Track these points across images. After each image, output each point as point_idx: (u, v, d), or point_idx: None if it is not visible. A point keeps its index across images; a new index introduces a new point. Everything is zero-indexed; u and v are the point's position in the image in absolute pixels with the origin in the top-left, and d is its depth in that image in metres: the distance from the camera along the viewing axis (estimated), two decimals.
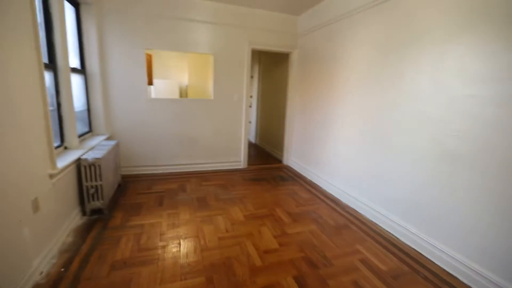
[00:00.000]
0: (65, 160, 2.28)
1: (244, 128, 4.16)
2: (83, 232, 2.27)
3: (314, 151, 3.78)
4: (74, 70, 2.99)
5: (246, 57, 3.94)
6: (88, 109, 3.34)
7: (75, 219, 2.40)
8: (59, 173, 2.07)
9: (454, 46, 1.88)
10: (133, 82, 3.53)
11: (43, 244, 1.83)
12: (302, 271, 1.89)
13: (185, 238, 2.24)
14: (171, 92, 6.36)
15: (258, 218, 2.64)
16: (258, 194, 3.24)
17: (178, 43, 3.62)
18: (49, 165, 1.95)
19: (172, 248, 2.09)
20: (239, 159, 4.27)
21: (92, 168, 2.46)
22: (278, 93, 4.94)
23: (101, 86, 3.34)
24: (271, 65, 5.34)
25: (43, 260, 1.80)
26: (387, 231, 2.45)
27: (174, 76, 6.66)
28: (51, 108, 2.47)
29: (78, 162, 2.45)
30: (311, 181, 3.78)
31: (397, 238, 2.34)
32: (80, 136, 3.09)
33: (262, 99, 5.95)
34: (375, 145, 2.63)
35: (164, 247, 2.10)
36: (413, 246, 2.20)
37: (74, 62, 3.07)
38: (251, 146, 6.06)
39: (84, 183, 2.47)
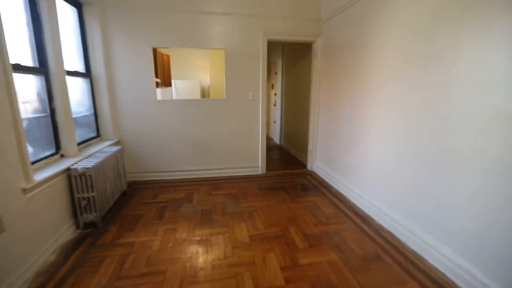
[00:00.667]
0: (51, 170, 2.09)
1: (261, 129, 3.72)
2: (69, 249, 2.06)
3: (341, 156, 3.18)
4: (77, 74, 2.87)
5: (262, 50, 3.49)
6: (95, 114, 3.21)
7: (66, 234, 2.21)
8: (36, 186, 1.86)
9: None
10: (139, 83, 3.32)
11: (13, 268, 1.62)
12: None
13: (174, 263, 1.89)
14: (192, 93, 6.19)
15: (266, 240, 2.18)
16: (272, 207, 2.78)
17: (186, 38, 3.32)
18: (22, 179, 1.75)
19: (154, 277, 1.75)
20: (256, 165, 3.84)
21: (83, 178, 2.25)
22: (301, 89, 4.39)
23: (107, 89, 3.19)
24: (294, 59, 4.81)
25: (11, 286, 1.59)
26: (439, 270, 1.81)
27: (195, 76, 6.49)
28: (43, 114, 2.33)
29: (68, 172, 2.26)
30: (337, 192, 3.19)
31: (454, 283, 1.69)
32: (86, 141, 2.96)
33: (286, 97, 5.43)
34: (420, 149, 1.98)
35: (146, 275, 1.77)
36: None
37: (78, 65, 2.95)
38: (274, 148, 5.59)
39: (76, 195, 2.27)
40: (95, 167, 2.31)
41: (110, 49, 3.18)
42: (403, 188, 2.16)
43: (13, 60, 1.80)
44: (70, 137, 2.51)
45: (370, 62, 2.53)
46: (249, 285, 1.68)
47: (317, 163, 3.91)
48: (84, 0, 2.88)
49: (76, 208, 2.30)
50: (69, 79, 2.63)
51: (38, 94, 2.26)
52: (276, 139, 6.19)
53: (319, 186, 3.38)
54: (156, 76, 4.37)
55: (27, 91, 2.14)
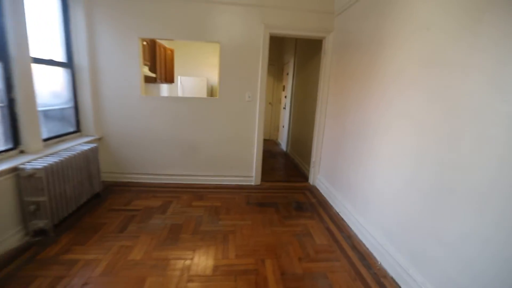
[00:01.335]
0: None
1: (257, 135, 3.29)
2: (4, 262, 1.77)
3: (344, 172, 2.67)
4: (54, 63, 2.63)
5: (263, 45, 3.07)
6: (76, 107, 2.97)
7: (10, 241, 1.93)
8: None
9: None
10: (125, 77, 3.04)
11: None
12: None
13: None
14: (199, 91, 5.91)
15: (232, 274, 1.76)
16: (254, 229, 2.35)
17: (178, 29, 2.99)
18: None
19: None
20: (250, 174, 3.42)
21: (32, 180, 1.97)
22: (310, 92, 3.91)
23: (90, 81, 2.94)
24: (305, 58, 4.33)
25: None
26: None
27: (203, 73, 6.20)
28: (0, 104, 2.09)
29: (17, 172, 1.99)
30: (336, 215, 2.68)
31: None
32: (60, 136, 2.72)
33: (295, 100, 4.96)
34: (440, 180, 1.46)
35: None
36: None
37: (58, 54, 2.71)
38: (279, 155, 5.13)
39: (24, 198, 1.99)
40: (48, 168, 2.02)
41: (95, 38, 2.92)
42: (416, 228, 1.63)
43: None
44: (33, 131, 2.25)
45: (387, 64, 2.01)
46: None
47: (319, 177, 3.40)
48: None
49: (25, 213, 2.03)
50: (41, 68, 2.40)
51: None
52: (283, 145, 5.72)
53: (317, 206, 2.88)
54: (153, 71, 4.10)
55: None
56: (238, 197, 3.02)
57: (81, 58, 2.87)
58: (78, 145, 2.64)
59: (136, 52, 2.99)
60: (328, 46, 3.13)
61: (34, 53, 2.27)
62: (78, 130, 3.02)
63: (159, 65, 4.31)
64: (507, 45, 1.13)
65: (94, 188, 2.73)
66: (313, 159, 3.49)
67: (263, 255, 1.99)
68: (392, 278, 1.78)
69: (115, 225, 2.31)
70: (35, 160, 2.10)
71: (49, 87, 2.62)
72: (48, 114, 2.61)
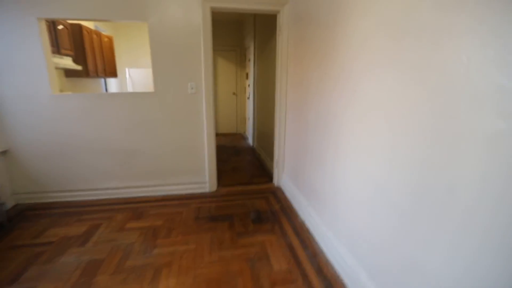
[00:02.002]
0: None
1: (207, 132, 2.76)
2: None
3: (308, 175, 2.25)
4: None
5: (203, 23, 2.50)
6: None
7: None
8: None
9: None
10: (26, 71, 2.35)
11: None
12: None
13: None
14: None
15: None
16: (197, 257, 1.86)
17: (93, 8, 2.32)
18: None
19: None
20: (203, 180, 2.90)
21: None
22: (271, 79, 3.41)
23: None
24: (264, 40, 3.80)
25: None
26: None
27: None
28: None
29: None
30: (302, 225, 2.26)
31: None
32: None
33: (257, 89, 4.45)
34: (419, 189, 1.04)
35: None
36: None
37: None
38: (245, 151, 4.64)
39: None
40: None
41: None
42: (387, 245, 1.22)
43: None
44: None
45: (348, 39, 1.55)
46: None
47: (284, 177, 2.97)
48: None
49: None
50: None
51: None
52: (250, 139, 5.24)
53: (280, 214, 2.45)
54: (80, 62, 3.37)
55: None
56: (186, 211, 2.51)
57: None
58: None
59: (37, 38, 2.30)
60: (283, 22, 2.63)
61: None
62: None
63: (90, 55, 3.58)
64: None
65: None
66: (276, 157, 3.04)
67: None
68: None
69: (9, 270, 1.72)
70: None
71: None
72: None
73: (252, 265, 1.77)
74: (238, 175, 3.47)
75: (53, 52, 2.72)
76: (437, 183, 0.95)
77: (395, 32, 1.15)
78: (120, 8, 2.36)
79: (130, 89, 5.12)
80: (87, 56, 3.47)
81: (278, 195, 2.85)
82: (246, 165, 3.87)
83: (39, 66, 2.35)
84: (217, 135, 6.00)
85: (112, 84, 5.34)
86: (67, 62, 2.98)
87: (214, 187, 2.94)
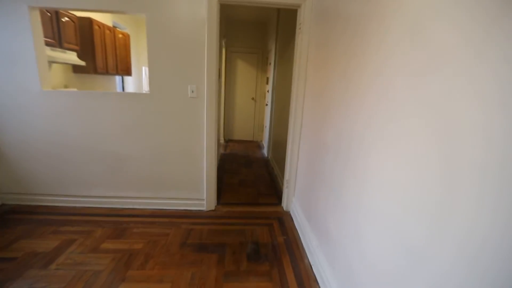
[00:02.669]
0: None
1: (207, 143, 2.40)
2: None
3: (320, 206, 1.78)
4: None
5: (208, 17, 2.15)
6: None
7: None
8: None
9: None
10: (17, 64, 2.16)
11: None
12: None
13: None
14: None
15: None
16: None
17: None
18: None
19: None
20: (200, 196, 2.54)
21: None
22: (288, 85, 2.99)
23: None
24: (286, 42, 3.39)
25: None
26: None
27: None
28: None
29: None
30: (307, 270, 1.79)
31: None
32: None
33: (276, 95, 4.04)
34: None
35: None
36: None
37: None
38: (258, 163, 4.23)
39: None
40: None
41: None
42: None
43: None
44: None
45: (387, 39, 1.09)
46: None
47: (294, 202, 2.51)
48: None
49: None
50: None
51: None
52: (265, 149, 4.82)
53: (283, 251, 1.99)
54: (84, 57, 3.20)
55: None
56: (174, 233, 2.15)
57: None
58: None
59: (28, 29, 2.10)
60: (304, 18, 2.20)
61: None
62: None
63: (100, 51, 3.41)
64: None
65: None
66: (286, 176, 2.59)
67: None
68: None
69: None
70: None
71: None
72: None
73: None
74: (244, 191, 3.06)
75: (53, 46, 2.54)
76: None
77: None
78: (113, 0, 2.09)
79: (145, 88, 4.97)
80: (96, 51, 3.30)
81: (285, 223, 2.40)
82: (255, 180, 3.45)
83: (28, 59, 2.15)
84: (232, 141, 5.68)
85: (130, 83, 5.25)
86: (70, 57, 2.81)
87: (212, 205, 2.56)
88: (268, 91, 4.80)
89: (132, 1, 2.09)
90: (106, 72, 3.61)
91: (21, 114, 2.26)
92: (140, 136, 2.36)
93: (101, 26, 3.43)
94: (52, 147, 2.35)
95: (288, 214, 2.57)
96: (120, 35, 3.96)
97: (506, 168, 0.57)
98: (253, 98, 5.57)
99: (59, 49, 2.68)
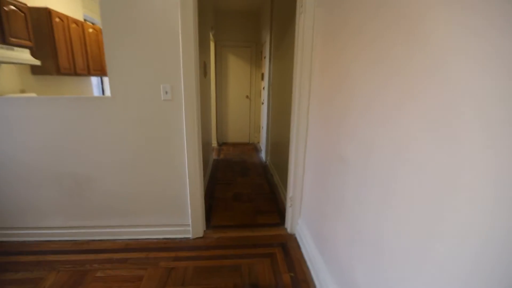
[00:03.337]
0: None
1: (188, 154, 1.90)
2: None
3: (338, 240, 1.31)
4: None
5: (182, 2, 1.65)
6: None
7: None
8: None
9: None
10: None
11: None
12: None
13: None
14: None
15: None
16: None
17: None
18: None
19: None
20: (185, 221, 2.06)
21: None
22: (288, 81, 2.51)
23: None
24: (282, 30, 2.90)
25: None
26: None
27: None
28: None
29: None
30: None
31: None
32: None
33: (273, 92, 3.55)
34: None
35: None
36: None
37: None
38: (255, 169, 3.75)
39: None
40: None
41: None
42: None
43: None
44: None
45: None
46: None
47: (301, 224, 2.04)
48: None
49: None
50: None
51: None
52: (263, 153, 4.34)
53: None
54: (42, 56, 2.68)
55: None
56: (150, 275, 1.67)
57: None
58: None
59: None
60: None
61: None
62: None
63: (64, 48, 2.90)
64: None
65: None
66: (290, 192, 2.11)
67: None
68: None
69: None
70: None
71: None
72: None
73: None
74: (239, 208, 2.58)
75: None
76: None
77: None
78: None
79: None
80: (58, 48, 2.79)
81: (290, 253, 1.92)
82: (252, 193, 2.97)
83: None
84: (226, 144, 5.19)
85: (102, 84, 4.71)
86: (19, 55, 2.29)
87: (199, 231, 2.08)
88: (263, 88, 4.31)
89: None
90: (74, 73, 3.09)
91: None
92: (103, 151, 1.86)
93: (65, 18, 2.90)
94: None
95: (293, 238, 2.09)
96: (91, 30, 3.43)
97: None
98: (247, 96, 5.08)
99: (4, 46, 2.16)
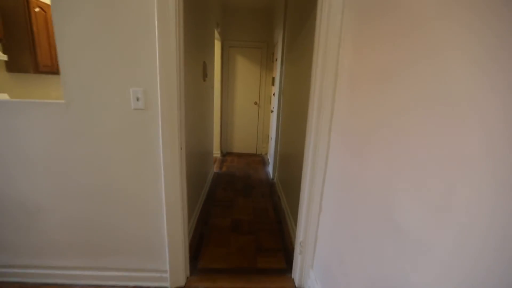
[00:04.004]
0: None
1: (166, 181, 1.43)
2: None
3: None
4: None
5: None
6: None
7: None
8: None
9: None
10: None
11: None
12: None
13: None
14: None
15: None
16: None
17: None
18: None
19: None
20: (161, 266, 1.58)
21: None
22: (305, 85, 2.03)
23: None
24: (296, 30, 2.43)
25: None
26: None
27: None
28: None
29: None
30: None
31: None
32: None
33: (284, 99, 3.06)
34: None
35: None
36: None
37: None
38: (260, 188, 3.25)
39: None
40: None
41: None
42: None
43: None
44: None
45: None
46: None
47: (313, 278, 1.52)
48: None
49: None
50: None
51: None
52: (270, 167, 3.83)
53: None
54: (11, 51, 2.31)
55: None
56: None
57: None
58: None
59: None
60: None
61: None
62: None
63: (47, 43, 2.53)
64: None
65: None
66: (300, 236, 1.60)
67: None
68: None
69: None
70: None
71: None
72: None
73: None
74: (237, 242, 2.09)
75: None
76: None
77: None
78: None
79: None
80: (37, 43, 2.42)
81: None
82: (254, 219, 2.47)
83: None
84: (231, 154, 4.72)
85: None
86: None
87: (180, 279, 1.60)
88: (274, 94, 3.83)
89: None
90: (58, 71, 2.72)
91: None
92: (57, 174, 1.42)
93: (47, 8, 2.55)
94: None
95: None
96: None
97: None
98: (256, 103, 4.60)
99: None
